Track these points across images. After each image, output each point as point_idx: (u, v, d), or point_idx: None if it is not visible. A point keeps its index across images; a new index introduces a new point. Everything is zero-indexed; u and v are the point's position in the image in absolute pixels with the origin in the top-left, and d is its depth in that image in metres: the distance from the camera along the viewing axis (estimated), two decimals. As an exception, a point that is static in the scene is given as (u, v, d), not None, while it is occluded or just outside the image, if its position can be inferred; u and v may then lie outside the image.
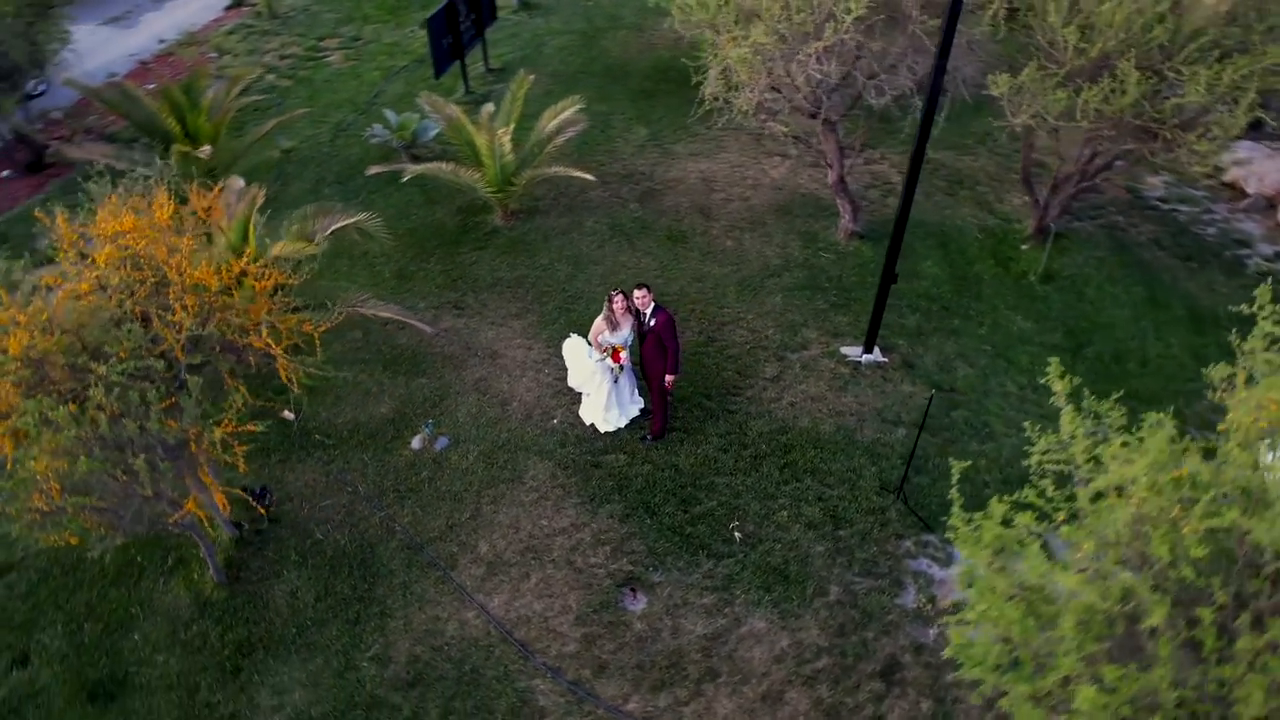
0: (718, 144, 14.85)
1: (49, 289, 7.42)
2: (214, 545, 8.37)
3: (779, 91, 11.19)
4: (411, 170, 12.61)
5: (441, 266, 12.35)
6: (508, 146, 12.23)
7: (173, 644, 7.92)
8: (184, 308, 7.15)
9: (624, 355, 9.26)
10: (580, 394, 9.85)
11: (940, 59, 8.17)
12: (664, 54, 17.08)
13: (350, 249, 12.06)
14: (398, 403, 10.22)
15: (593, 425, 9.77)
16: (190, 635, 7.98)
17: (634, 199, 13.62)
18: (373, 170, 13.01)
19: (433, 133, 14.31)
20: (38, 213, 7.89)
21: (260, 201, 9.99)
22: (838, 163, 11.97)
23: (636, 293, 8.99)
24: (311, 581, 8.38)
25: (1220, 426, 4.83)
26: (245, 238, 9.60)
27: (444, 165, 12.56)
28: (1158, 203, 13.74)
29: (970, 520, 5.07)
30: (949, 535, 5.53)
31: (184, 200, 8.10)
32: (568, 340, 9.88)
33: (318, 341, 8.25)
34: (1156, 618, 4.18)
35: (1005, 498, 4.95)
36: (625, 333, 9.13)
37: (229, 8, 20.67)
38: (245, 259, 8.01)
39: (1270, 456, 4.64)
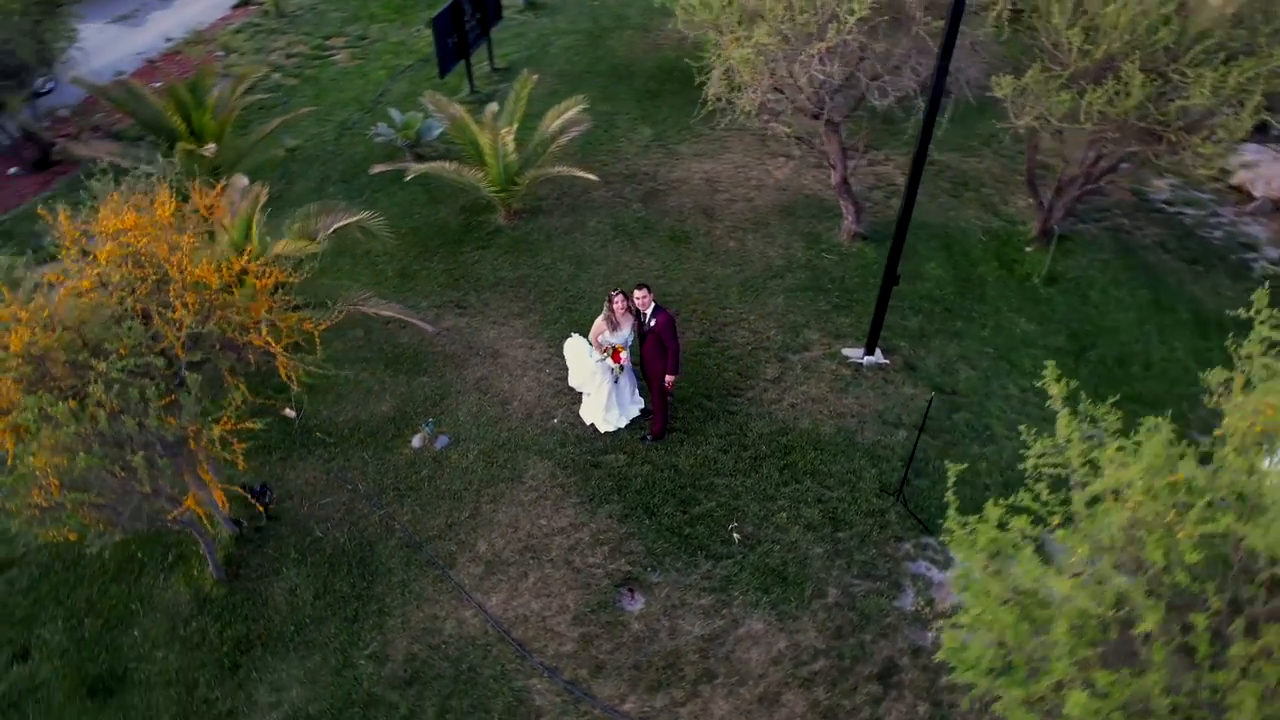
0: (722, 144, 14.84)
1: (51, 286, 7.48)
2: (214, 542, 8.41)
3: (782, 92, 11.18)
4: (415, 169, 12.62)
5: (444, 265, 12.37)
6: (511, 146, 12.23)
7: (172, 640, 7.96)
8: (184, 305, 7.20)
9: (624, 355, 9.26)
10: (581, 394, 9.87)
11: (943, 60, 8.15)
12: (669, 54, 17.05)
13: (353, 247, 12.09)
14: (398, 401, 10.25)
15: (593, 425, 9.78)
16: (189, 632, 8.02)
17: (637, 199, 13.61)
18: (376, 169, 13.04)
19: (437, 132, 14.34)
20: (41, 210, 7.95)
21: (264, 199, 10.00)
22: (841, 164, 11.95)
23: (637, 293, 8.99)
24: (310, 579, 8.41)
25: (1217, 432, 4.80)
26: (248, 236, 9.63)
27: (447, 164, 12.57)
28: (1163, 205, 13.67)
29: (965, 524, 5.06)
30: (944, 538, 5.51)
31: (186, 198, 8.14)
32: (569, 340, 9.89)
33: (318, 340, 8.29)
34: (1150, 623, 4.17)
35: (1001, 501, 4.93)
36: (625, 333, 9.13)
37: (236, 6, 20.76)
38: (246, 257, 8.05)
39: (1269, 461, 4.62)
